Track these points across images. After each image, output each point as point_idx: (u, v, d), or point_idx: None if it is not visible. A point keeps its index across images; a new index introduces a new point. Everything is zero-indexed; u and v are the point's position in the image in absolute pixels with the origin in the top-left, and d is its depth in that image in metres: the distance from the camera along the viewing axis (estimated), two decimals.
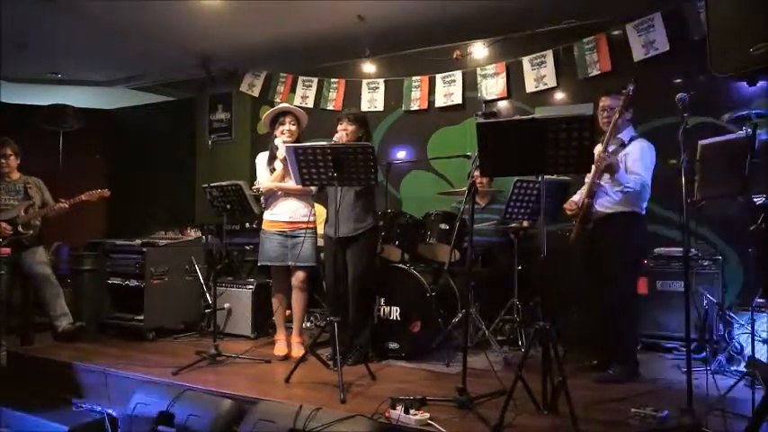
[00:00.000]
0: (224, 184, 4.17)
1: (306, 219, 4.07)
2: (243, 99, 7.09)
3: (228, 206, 4.20)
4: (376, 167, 3.35)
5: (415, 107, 6.02)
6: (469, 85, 5.77)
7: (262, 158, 4.25)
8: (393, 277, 4.16)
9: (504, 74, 5.62)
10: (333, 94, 6.39)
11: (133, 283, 4.90)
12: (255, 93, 6.78)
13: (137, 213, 7.51)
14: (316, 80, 6.46)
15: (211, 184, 4.18)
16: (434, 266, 4.60)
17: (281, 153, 4.06)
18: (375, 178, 3.42)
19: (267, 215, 4.20)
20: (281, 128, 4.11)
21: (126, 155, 8.09)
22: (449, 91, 5.82)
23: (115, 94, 7.69)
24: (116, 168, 8.03)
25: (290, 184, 3.99)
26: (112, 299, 5.08)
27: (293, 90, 6.55)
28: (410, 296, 4.10)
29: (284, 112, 4.16)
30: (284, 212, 4.10)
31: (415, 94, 6.00)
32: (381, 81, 6.20)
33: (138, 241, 5.06)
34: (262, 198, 4.19)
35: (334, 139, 3.86)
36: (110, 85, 7.42)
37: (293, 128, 4.12)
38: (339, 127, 3.93)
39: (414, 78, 6.02)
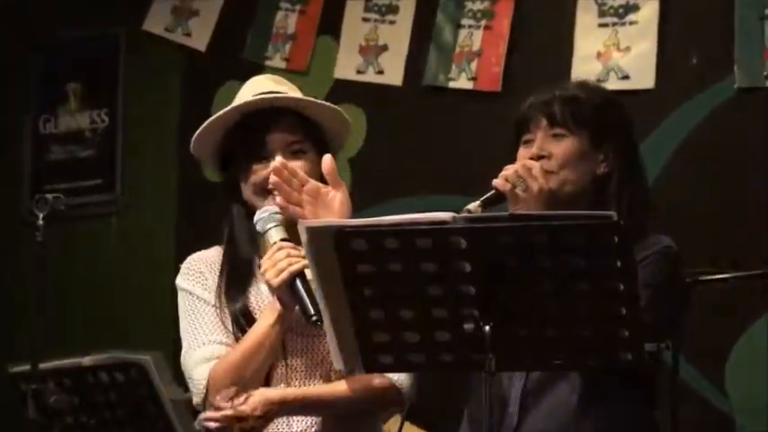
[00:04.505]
0: (86, 364, 3.20)
1: None
2: (157, 63, 5.31)
3: None
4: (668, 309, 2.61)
5: None
6: None
7: (201, 282, 3.05)
8: None
9: None
10: (472, 40, 4.59)
11: None
12: (199, 44, 4.95)
13: None
14: None
15: (43, 366, 3.10)
16: None
17: (270, 263, 2.72)
18: (644, 352, 2.34)
19: None
20: (256, 176, 2.93)
21: None
22: None
23: None
24: None
25: (323, 387, 2.92)
26: None
27: (332, 32, 4.82)
28: None
29: (269, 115, 2.92)
30: None
31: None
32: None
33: None
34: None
35: (495, 186, 2.86)
36: None
37: (307, 166, 2.92)
38: (521, 151, 3.02)
39: None
